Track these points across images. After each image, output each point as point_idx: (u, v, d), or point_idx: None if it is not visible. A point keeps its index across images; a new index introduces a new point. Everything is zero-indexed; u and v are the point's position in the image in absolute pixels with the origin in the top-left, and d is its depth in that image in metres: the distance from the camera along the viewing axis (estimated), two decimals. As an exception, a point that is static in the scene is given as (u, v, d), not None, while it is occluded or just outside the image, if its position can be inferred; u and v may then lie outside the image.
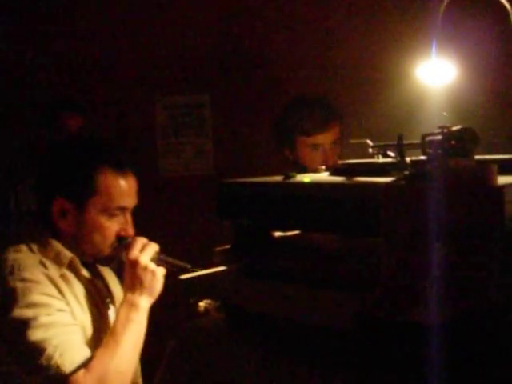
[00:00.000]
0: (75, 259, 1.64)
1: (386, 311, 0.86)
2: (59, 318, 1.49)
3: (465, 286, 0.88)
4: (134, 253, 1.58)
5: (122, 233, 1.64)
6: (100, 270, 1.78)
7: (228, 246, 1.14)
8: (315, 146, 2.29)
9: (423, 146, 0.98)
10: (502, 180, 0.93)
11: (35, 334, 1.44)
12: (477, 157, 1.00)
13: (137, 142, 3.71)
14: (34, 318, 1.46)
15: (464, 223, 0.88)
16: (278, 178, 1.07)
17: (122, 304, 1.56)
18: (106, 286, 1.78)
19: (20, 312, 1.47)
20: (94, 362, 1.43)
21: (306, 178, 1.07)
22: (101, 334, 1.60)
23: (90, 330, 1.57)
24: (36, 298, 1.49)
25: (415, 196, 0.87)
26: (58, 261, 1.62)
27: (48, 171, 1.73)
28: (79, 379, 1.40)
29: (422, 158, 1.00)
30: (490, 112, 2.55)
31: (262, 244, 1.09)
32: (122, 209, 1.65)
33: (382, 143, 1.14)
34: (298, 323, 0.99)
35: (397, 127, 1.19)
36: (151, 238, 1.89)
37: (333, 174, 1.20)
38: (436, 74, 1.78)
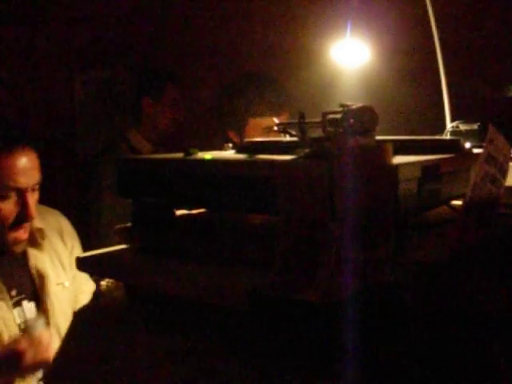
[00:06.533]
0: None
1: (281, 290, 0.86)
2: None
3: (360, 265, 0.88)
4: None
5: (20, 216, 1.59)
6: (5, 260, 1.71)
7: (128, 225, 1.11)
8: (268, 129, 2.23)
9: (324, 124, 0.98)
10: (399, 159, 0.94)
11: None
12: (377, 137, 1.01)
13: (55, 120, 3.61)
14: None
15: (360, 202, 0.88)
16: (179, 155, 1.05)
17: None
18: (12, 276, 1.70)
19: None
20: None
21: (208, 155, 1.05)
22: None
23: None
24: None
25: (312, 174, 0.87)
26: None
27: None
28: None
29: (323, 135, 0.99)
30: (401, 92, 2.60)
31: (162, 222, 1.06)
32: (15, 190, 1.57)
33: (285, 121, 1.14)
34: (196, 303, 0.98)
35: (312, 107, 1.19)
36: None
37: (238, 151, 1.19)
38: (350, 55, 1.80)
